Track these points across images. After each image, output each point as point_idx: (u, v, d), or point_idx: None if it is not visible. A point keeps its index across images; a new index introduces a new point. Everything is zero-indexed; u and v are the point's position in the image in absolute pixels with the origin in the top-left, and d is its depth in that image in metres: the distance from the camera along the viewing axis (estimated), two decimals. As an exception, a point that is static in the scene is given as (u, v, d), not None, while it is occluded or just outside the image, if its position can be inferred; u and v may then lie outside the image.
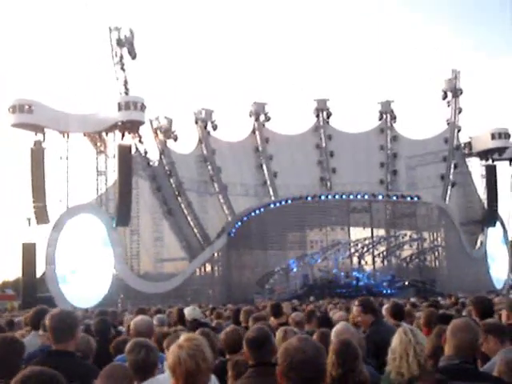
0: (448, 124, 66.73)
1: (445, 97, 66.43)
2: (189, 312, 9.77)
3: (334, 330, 6.02)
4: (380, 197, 60.69)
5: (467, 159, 66.91)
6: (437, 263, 63.55)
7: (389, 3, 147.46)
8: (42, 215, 47.91)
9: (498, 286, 61.75)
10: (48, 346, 5.10)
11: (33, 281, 47.03)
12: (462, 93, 65.89)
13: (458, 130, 66.76)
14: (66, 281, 44.90)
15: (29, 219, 48.05)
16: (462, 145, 66.55)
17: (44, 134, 49.40)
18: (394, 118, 68.46)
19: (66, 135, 50.20)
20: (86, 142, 52.34)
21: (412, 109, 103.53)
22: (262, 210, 58.24)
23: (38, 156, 48.95)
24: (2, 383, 3.95)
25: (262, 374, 4.21)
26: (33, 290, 45.72)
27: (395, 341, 5.07)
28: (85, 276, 45.11)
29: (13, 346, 4.25)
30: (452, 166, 65.73)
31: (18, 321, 9.89)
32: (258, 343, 4.39)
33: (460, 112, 66.30)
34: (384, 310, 9.79)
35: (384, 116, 68.59)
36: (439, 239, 63.43)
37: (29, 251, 46.71)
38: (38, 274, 47.56)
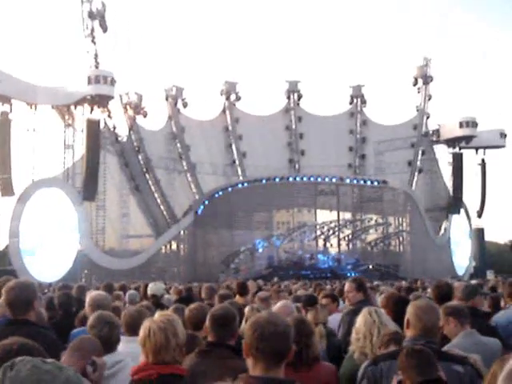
0: (417, 110, 67.19)
1: (415, 83, 66.83)
2: (150, 287, 9.80)
3: (274, 307, 6.12)
4: (347, 180, 61.12)
5: (435, 146, 67.46)
6: (401, 248, 64.28)
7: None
8: (7, 187, 47.24)
9: (460, 272, 62.70)
10: (7, 316, 5.05)
11: (-4, 253, 46.57)
12: (432, 80, 66.34)
13: (427, 117, 67.25)
14: (29, 254, 44.44)
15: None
16: (431, 132, 67.05)
17: (11, 105, 48.58)
18: (364, 102, 68.70)
19: (33, 107, 49.45)
20: (54, 114, 51.68)
21: (382, 94, 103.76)
22: (229, 189, 58.30)
23: (4, 127, 48.15)
24: None
25: (216, 355, 4.22)
26: (-4, 263, 45.28)
27: (359, 321, 5.13)
28: (49, 250, 44.69)
29: None
30: (420, 152, 66.27)
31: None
32: (223, 321, 4.39)
33: (430, 99, 66.78)
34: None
35: (354, 100, 68.81)
36: (404, 224, 64.12)
37: (-8, 223, 46.13)
38: (1, 247, 47.09)
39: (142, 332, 3.70)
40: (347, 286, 7.19)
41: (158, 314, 3.90)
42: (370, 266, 55.72)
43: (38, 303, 4.87)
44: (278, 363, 2.93)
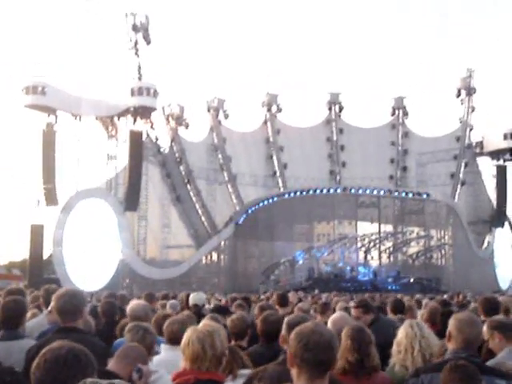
0: (460, 122, 66.45)
1: (458, 95, 66.14)
2: (192, 297, 9.87)
3: (331, 318, 6.09)
4: (389, 192, 60.62)
5: (478, 158, 66.58)
6: (443, 261, 63.44)
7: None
8: (51, 197, 48.08)
9: (504, 286, 61.57)
10: (58, 323, 5.16)
11: (40, 262, 47.22)
12: (475, 91, 65.59)
13: (470, 129, 66.44)
14: (72, 263, 45.03)
15: (38, 201, 48.24)
16: (474, 144, 66.20)
17: (56, 117, 49.49)
18: (406, 114, 68.21)
19: (78, 118, 50.25)
20: (98, 126, 52.45)
21: (425, 106, 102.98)
22: (270, 200, 58.30)
23: (49, 138, 49.07)
24: None
25: None
26: (39, 271, 45.90)
27: (401, 334, 5.10)
28: (91, 259, 45.21)
29: None
30: (463, 164, 65.45)
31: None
32: None
33: (473, 111, 65.99)
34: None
35: (396, 112, 68.37)
36: (446, 237, 63.33)
37: (37, 232, 46.87)
38: (45, 256, 47.77)
39: (183, 340, 3.78)
40: (354, 312, 7.14)
41: (201, 324, 3.97)
42: (411, 279, 55.05)
43: (86, 311, 4.99)
44: (323, 373, 2.94)
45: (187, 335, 3.77)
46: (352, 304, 7.56)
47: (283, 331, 4.55)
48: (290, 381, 3.04)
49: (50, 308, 6.29)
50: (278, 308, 8.66)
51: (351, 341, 4.54)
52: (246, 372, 4.55)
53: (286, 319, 4.71)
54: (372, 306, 7.51)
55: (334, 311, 7.98)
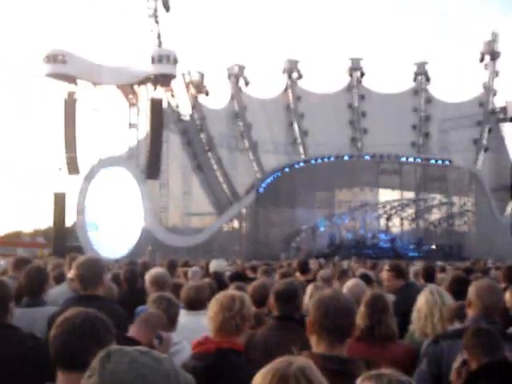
0: (484, 87, 65.60)
1: (482, 59, 65.17)
2: (212, 264, 9.93)
3: (346, 285, 6.12)
4: (411, 159, 60.23)
5: (501, 124, 65.83)
6: (465, 228, 63.17)
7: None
8: (73, 165, 48.39)
9: (527, 253, 61.24)
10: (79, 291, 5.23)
11: (63, 230, 47.70)
12: (499, 56, 64.60)
13: (494, 94, 65.59)
14: (95, 231, 45.46)
15: (60, 169, 48.59)
16: (497, 109, 65.40)
17: (77, 85, 49.60)
18: (428, 79, 67.37)
19: (98, 87, 50.30)
20: (119, 94, 52.49)
21: (447, 71, 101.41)
22: (291, 168, 58.21)
23: (70, 107, 49.23)
24: None
25: (286, 327, 4.30)
26: (63, 240, 46.39)
27: (421, 300, 5.10)
28: (114, 227, 45.61)
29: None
30: (486, 130, 64.75)
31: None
32: (287, 297, 4.47)
33: (497, 75, 65.07)
34: (412, 271, 9.84)
35: (418, 77, 67.57)
36: (469, 204, 62.91)
37: (59, 201, 47.27)
38: (69, 224, 48.24)
39: (211, 306, 3.81)
40: (385, 274, 7.13)
41: (228, 291, 4.01)
42: (433, 246, 54.96)
43: (107, 278, 5.03)
44: (342, 340, 2.96)
45: (215, 302, 3.80)
46: (385, 267, 7.55)
47: (271, 297, 4.59)
48: (277, 345, 3.06)
49: (71, 275, 6.37)
50: (298, 275, 8.69)
51: (365, 307, 4.56)
52: None
53: (273, 286, 4.74)
54: (404, 271, 7.48)
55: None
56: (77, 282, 4.96)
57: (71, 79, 48.77)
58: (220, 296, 3.85)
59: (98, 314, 2.60)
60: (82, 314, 2.59)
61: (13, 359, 3.77)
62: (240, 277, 8.96)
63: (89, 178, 46.06)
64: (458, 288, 5.51)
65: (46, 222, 78.07)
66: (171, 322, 4.50)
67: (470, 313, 4.23)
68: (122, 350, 1.65)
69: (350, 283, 6.15)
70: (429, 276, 8.02)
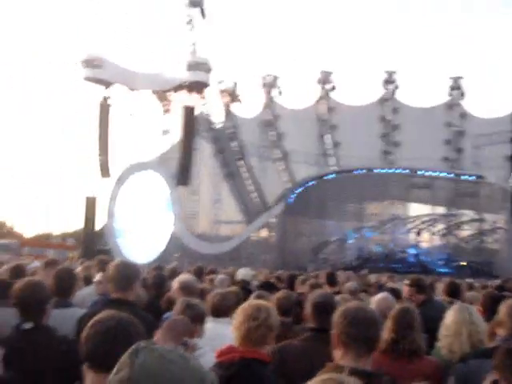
0: (519, 104, 64.93)
1: (518, 76, 64.50)
2: (239, 272, 9.92)
3: (374, 298, 6.07)
4: (442, 174, 59.72)
5: (536, 141, 64.96)
6: (496, 246, 62.37)
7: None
8: (105, 169, 48.87)
9: (557, 273, 60.27)
10: (108, 293, 5.25)
11: (92, 233, 48.15)
12: (536, 73, 63.91)
13: (529, 111, 64.82)
14: (124, 235, 45.78)
15: (93, 172, 49.06)
16: (532, 126, 64.58)
17: (112, 90, 50.13)
18: (463, 94, 66.85)
19: (133, 92, 50.77)
20: (153, 100, 52.93)
21: (483, 86, 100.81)
22: (322, 179, 58.08)
23: (105, 111, 49.78)
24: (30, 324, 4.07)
25: (322, 339, 4.26)
26: (92, 243, 46.84)
27: (449, 317, 5.02)
28: (143, 232, 45.89)
29: (38, 289, 4.34)
30: (520, 147, 63.95)
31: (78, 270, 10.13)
32: (324, 308, 4.44)
33: (533, 92, 64.39)
34: (439, 287, 9.75)
35: (453, 92, 67.06)
36: (501, 221, 62.14)
37: (90, 204, 47.76)
38: (99, 227, 48.67)
39: (236, 316, 3.79)
40: (405, 290, 7.06)
41: (252, 301, 3.99)
42: (463, 263, 54.37)
43: (139, 285, 5.03)
44: (367, 352, 2.94)
45: (241, 312, 3.78)
46: (405, 282, 7.48)
47: (308, 309, 4.57)
48: (313, 357, 3.04)
49: (99, 278, 6.41)
50: (326, 287, 8.66)
51: (391, 320, 4.53)
52: None
53: (311, 298, 4.72)
54: (425, 286, 7.43)
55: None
56: (109, 283, 4.98)
57: (107, 84, 49.34)
58: (246, 305, 3.83)
59: (131, 318, 2.62)
60: (116, 317, 2.61)
61: (49, 360, 3.80)
62: (269, 286, 8.94)
63: (120, 182, 46.47)
64: (492, 306, 5.42)
65: (76, 224, 78.85)
66: (197, 329, 4.50)
67: (501, 332, 4.17)
68: (150, 346, 1.70)
69: (378, 297, 6.10)
70: (452, 292, 7.92)
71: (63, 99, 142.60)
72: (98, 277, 6.48)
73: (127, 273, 4.86)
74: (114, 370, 1.67)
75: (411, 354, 4.52)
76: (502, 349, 3.60)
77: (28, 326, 4.04)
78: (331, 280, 8.93)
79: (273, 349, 4.30)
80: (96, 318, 2.64)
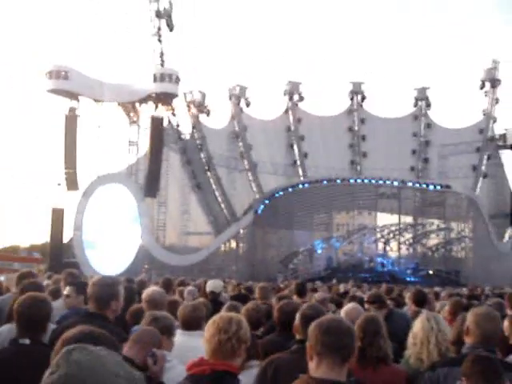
0: (484, 114, 65.86)
1: (482, 86, 65.46)
2: (209, 284, 9.90)
3: (343, 309, 6.10)
4: (409, 184, 60.23)
5: (501, 151, 65.99)
6: (463, 254, 63.04)
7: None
8: (72, 181, 48.36)
9: (524, 280, 61.06)
10: (78, 308, 5.19)
11: (60, 246, 47.60)
12: (500, 83, 64.94)
13: (494, 121, 65.84)
14: (92, 247, 45.37)
15: (59, 185, 48.54)
16: (497, 136, 65.61)
17: (78, 102, 49.73)
18: (429, 105, 67.65)
19: (99, 104, 50.45)
20: (119, 111, 52.62)
21: (448, 97, 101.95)
22: (290, 189, 58.15)
23: (71, 123, 49.29)
24: (29, 341, 4.03)
25: None
26: (59, 255, 46.28)
27: (417, 326, 5.07)
28: (111, 244, 45.52)
29: (40, 305, 4.32)
30: (485, 157, 64.92)
31: (45, 284, 10.02)
32: (314, 321, 4.42)
33: (497, 103, 65.36)
34: (407, 297, 9.83)
35: (419, 103, 67.83)
36: (467, 230, 62.83)
37: (57, 216, 47.22)
38: (66, 240, 48.15)
39: (207, 328, 3.77)
40: (367, 307, 7.13)
41: (223, 313, 3.98)
42: (431, 272, 54.85)
43: (117, 303, 4.93)
44: (343, 362, 2.94)
45: (212, 324, 3.76)
46: (366, 298, 7.55)
47: (297, 321, 4.57)
48: (304, 369, 3.04)
49: (68, 292, 6.34)
50: (295, 297, 8.66)
51: (358, 328, 4.56)
52: (255, 363, 4.56)
53: (300, 309, 4.73)
54: (385, 301, 7.51)
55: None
56: (89, 300, 4.92)
57: (73, 95, 48.90)
58: (217, 318, 3.81)
59: (103, 331, 2.61)
60: (87, 330, 2.60)
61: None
62: (242, 298, 8.93)
63: (87, 194, 46.08)
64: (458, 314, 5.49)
65: (43, 237, 78.01)
66: (166, 341, 4.46)
67: (468, 340, 4.21)
68: (81, 346, 1.79)
69: (347, 307, 6.12)
70: (419, 301, 8.00)
71: (28, 110, 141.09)
72: (66, 290, 6.40)
73: (107, 291, 4.82)
74: (47, 372, 1.73)
75: (378, 362, 4.56)
76: (470, 356, 3.64)
77: (26, 341, 3.99)
78: (301, 290, 8.94)
79: (264, 363, 4.30)
80: (67, 333, 2.63)
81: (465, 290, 20.51)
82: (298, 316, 4.60)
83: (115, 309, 4.83)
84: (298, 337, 4.54)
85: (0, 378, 3.68)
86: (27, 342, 3.97)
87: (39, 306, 4.26)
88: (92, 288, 4.87)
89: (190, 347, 4.51)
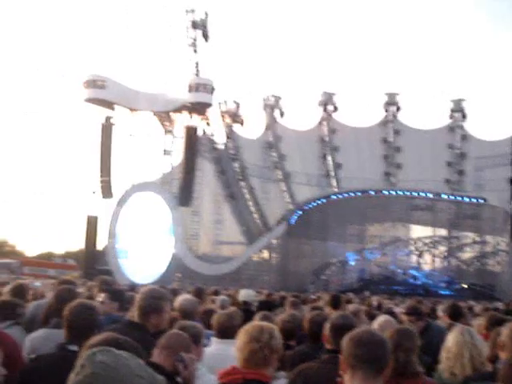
0: (521, 127, 65.07)
1: (519, 99, 64.69)
2: (241, 294, 9.90)
3: (377, 322, 6.04)
4: (444, 196, 59.65)
5: (537, 164, 65.02)
6: (498, 268, 62.13)
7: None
8: (107, 189, 48.87)
9: (559, 296, 59.93)
10: (115, 315, 5.22)
11: (94, 253, 48.07)
12: (537, 96, 64.11)
13: (531, 134, 64.88)
14: (125, 255, 45.70)
15: (94, 193, 49.07)
16: (533, 149, 64.63)
17: (114, 111, 50.26)
18: (464, 116, 67.02)
19: (135, 113, 50.93)
20: (155, 120, 53.07)
21: (484, 109, 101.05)
22: (323, 200, 58.00)
23: (107, 131, 49.88)
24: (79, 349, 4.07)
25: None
26: (93, 262, 46.74)
27: (451, 340, 5.00)
28: (144, 252, 45.80)
29: (90, 312, 4.36)
30: (521, 169, 63.96)
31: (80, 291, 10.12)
32: (343, 330, 4.39)
33: (534, 115, 64.51)
34: (441, 310, 9.73)
35: (455, 114, 67.23)
36: (503, 244, 61.92)
37: (92, 224, 47.74)
38: (100, 247, 48.60)
39: (239, 337, 3.78)
40: (404, 318, 7.04)
41: (256, 322, 3.98)
42: (465, 285, 54.20)
43: (157, 317, 4.87)
44: (377, 374, 2.92)
45: (244, 333, 3.77)
46: (402, 310, 7.48)
47: (326, 330, 4.55)
48: (332, 379, 3.03)
49: (102, 298, 6.40)
50: (329, 309, 8.61)
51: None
52: (282, 374, 4.55)
53: (330, 319, 4.71)
54: (422, 313, 7.42)
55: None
56: (136, 310, 4.89)
57: (109, 104, 49.48)
58: (249, 327, 3.82)
59: (127, 338, 2.64)
60: (110, 337, 2.63)
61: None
62: (269, 306, 8.92)
63: (122, 202, 46.48)
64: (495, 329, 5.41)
65: (78, 244, 78.83)
66: (195, 349, 4.42)
67: (503, 355, 4.16)
68: (104, 348, 1.86)
69: (380, 320, 6.08)
70: (454, 314, 7.90)
71: (65, 120, 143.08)
72: (101, 297, 6.46)
73: (149, 303, 4.80)
74: (73, 373, 1.78)
75: (410, 376, 4.49)
76: (507, 365, 3.59)
77: (74, 347, 4.02)
78: (335, 302, 8.86)
79: (293, 373, 4.29)
80: (92, 340, 2.67)
81: (500, 305, 20.20)
82: (327, 326, 4.59)
83: (155, 322, 4.78)
84: (328, 346, 4.52)
85: (48, 383, 3.72)
86: (76, 348, 3.98)
87: (89, 313, 4.30)
88: (138, 297, 4.90)
89: (225, 356, 4.52)
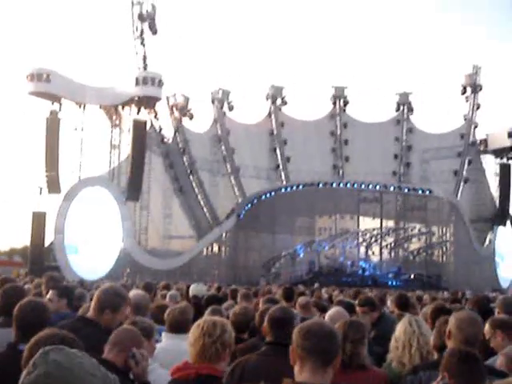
0: (465, 120, 66.29)
1: (464, 92, 65.90)
2: (192, 288, 9.89)
3: (328, 314, 6.08)
4: (391, 188, 60.46)
5: (482, 156, 66.50)
6: (444, 258, 63.33)
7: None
8: (53, 185, 48.02)
9: (504, 285, 61.42)
10: (64, 312, 5.15)
11: (41, 249, 47.21)
12: (481, 89, 65.39)
13: (475, 127, 66.25)
14: (73, 251, 45.06)
15: (40, 188, 48.17)
16: (478, 141, 66.07)
17: (60, 105, 49.42)
18: (411, 110, 68.00)
19: (82, 106, 50.23)
20: (102, 114, 52.41)
21: (430, 102, 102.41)
22: (272, 193, 58.17)
23: (53, 125, 48.96)
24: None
25: (279, 353, 4.24)
26: (40, 259, 45.86)
27: (399, 330, 5.08)
28: (93, 248, 45.23)
29: (41, 310, 4.28)
30: (466, 162, 65.31)
31: (27, 288, 9.95)
32: (282, 323, 4.40)
33: (478, 108, 65.79)
34: (389, 300, 9.87)
35: (401, 107, 68.17)
36: (448, 234, 63.18)
37: (39, 220, 46.84)
38: (47, 244, 47.77)
39: (191, 332, 3.76)
40: (359, 310, 7.10)
41: (208, 317, 3.97)
42: (412, 276, 55.08)
43: (111, 313, 4.80)
44: (326, 365, 2.92)
45: (196, 328, 3.75)
46: (357, 302, 7.51)
47: (265, 323, 4.56)
48: (270, 370, 3.04)
49: (50, 296, 6.30)
50: (283, 302, 8.64)
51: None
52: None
53: (268, 312, 4.71)
54: (376, 304, 7.50)
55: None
56: (93, 306, 4.80)
57: (55, 98, 48.61)
58: (201, 321, 3.81)
59: (70, 334, 2.61)
60: (54, 333, 2.60)
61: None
62: (218, 300, 8.91)
63: (69, 197, 45.77)
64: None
65: (23, 241, 77.45)
66: (146, 344, 4.38)
67: (450, 344, 4.23)
68: (57, 347, 1.83)
69: (332, 311, 6.11)
70: (402, 305, 8.02)
71: (9, 113, 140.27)
72: (49, 294, 6.36)
73: (103, 299, 4.73)
74: (25, 372, 1.76)
75: (358, 367, 4.51)
76: (457, 353, 3.65)
77: (25, 347, 3.93)
78: (289, 295, 8.89)
79: (233, 365, 4.29)
80: (37, 335, 2.63)
81: (446, 294, 20.60)
82: (266, 318, 4.59)
83: (109, 318, 4.72)
84: (267, 339, 4.53)
85: None
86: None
87: (39, 311, 4.21)
88: (97, 292, 4.84)
89: (177, 351, 4.50)
